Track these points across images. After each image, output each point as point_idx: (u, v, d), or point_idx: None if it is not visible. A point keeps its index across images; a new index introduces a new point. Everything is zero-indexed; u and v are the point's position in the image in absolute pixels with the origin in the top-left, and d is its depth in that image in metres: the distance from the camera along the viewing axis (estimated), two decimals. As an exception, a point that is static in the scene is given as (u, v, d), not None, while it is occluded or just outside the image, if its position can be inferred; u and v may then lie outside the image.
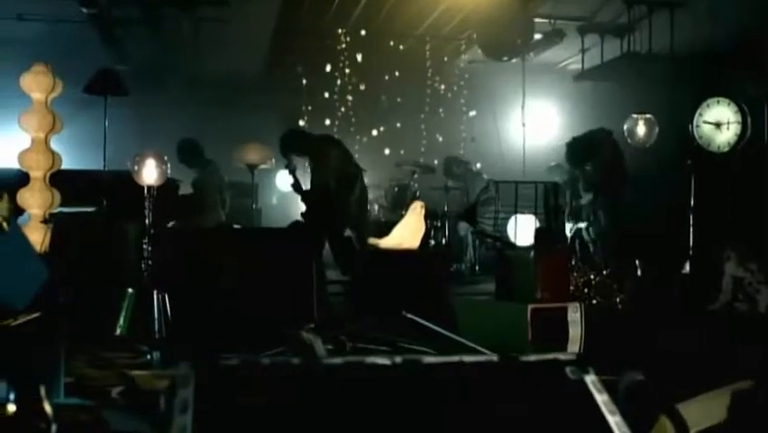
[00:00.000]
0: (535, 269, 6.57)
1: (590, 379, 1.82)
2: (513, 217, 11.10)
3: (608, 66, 14.64)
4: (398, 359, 1.69)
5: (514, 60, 14.00)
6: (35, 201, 8.57)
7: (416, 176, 13.25)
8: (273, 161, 12.37)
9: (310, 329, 5.07)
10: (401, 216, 12.75)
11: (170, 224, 9.91)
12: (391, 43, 15.45)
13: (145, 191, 6.89)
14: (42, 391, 2.21)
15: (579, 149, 10.44)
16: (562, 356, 1.85)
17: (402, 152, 15.57)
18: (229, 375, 1.58)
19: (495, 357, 1.82)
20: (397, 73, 15.95)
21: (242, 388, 1.57)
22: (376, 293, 7.29)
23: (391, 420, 1.64)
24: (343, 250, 9.34)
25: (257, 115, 15.58)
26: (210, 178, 11.49)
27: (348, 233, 9.93)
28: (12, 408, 2.27)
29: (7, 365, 2.37)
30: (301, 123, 15.81)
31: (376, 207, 13.68)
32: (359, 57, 15.49)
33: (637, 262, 8.75)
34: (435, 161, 14.52)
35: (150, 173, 6.94)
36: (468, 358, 1.77)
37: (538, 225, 10.64)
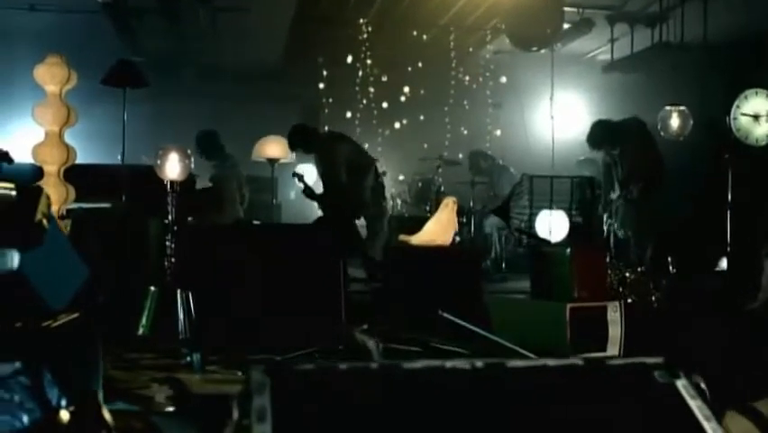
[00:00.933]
0: (572, 266, 6.53)
1: (682, 383, 1.77)
2: (542, 213, 11.03)
3: (638, 56, 14.56)
4: (479, 363, 1.64)
5: (542, 51, 13.90)
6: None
7: (440, 170, 13.14)
8: (294, 155, 12.31)
9: (364, 330, 5.00)
10: (425, 211, 12.72)
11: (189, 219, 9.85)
12: (414, 33, 15.24)
13: (168, 186, 6.84)
14: (101, 395, 2.17)
15: (600, 130, 10.44)
16: (648, 360, 1.80)
17: (426, 145, 15.38)
18: (304, 380, 1.53)
19: (579, 361, 1.77)
20: (420, 64, 15.79)
21: (317, 393, 1.52)
22: (405, 291, 7.23)
23: (473, 426, 1.59)
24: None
25: (276, 108, 15.51)
26: (229, 172, 11.43)
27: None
28: (65, 414, 2.23)
29: (57, 370, 2.31)
30: (322, 115, 15.80)
31: (399, 201, 13.63)
32: (381, 47, 15.37)
33: (670, 258, 8.66)
34: (460, 155, 14.45)
35: (173, 168, 6.89)
36: (551, 362, 1.71)
37: (567, 220, 10.60)
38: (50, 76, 8.73)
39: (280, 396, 1.48)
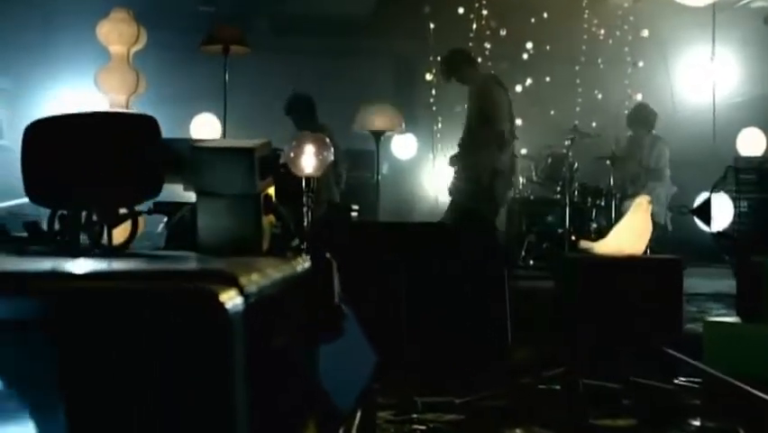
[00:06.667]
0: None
1: None
2: (701, 196, 10.73)
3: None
4: None
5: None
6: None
7: (571, 142, 12.61)
8: (403, 125, 12.06)
9: None
10: (555, 193, 12.37)
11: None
12: (539, -23, 14.94)
13: (303, 184, 6.64)
14: None
15: None
16: None
17: (552, 111, 15.03)
18: None
19: None
20: (545, 15, 15.18)
21: None
22: (590, 311, 6.99)
23: None
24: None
25: (371, 68, 15.38)
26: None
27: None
28: None
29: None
30: (428, 76, 15.58)
31: (522, 180, 13.15)
32: (498, -6, 14.97)
33: None
34: (594, 124, 14.10)
35: (309, 162, 6.65)
36: None
37: (732, 205, 10.30)
38: (117, 34, 8.51)
39: None
